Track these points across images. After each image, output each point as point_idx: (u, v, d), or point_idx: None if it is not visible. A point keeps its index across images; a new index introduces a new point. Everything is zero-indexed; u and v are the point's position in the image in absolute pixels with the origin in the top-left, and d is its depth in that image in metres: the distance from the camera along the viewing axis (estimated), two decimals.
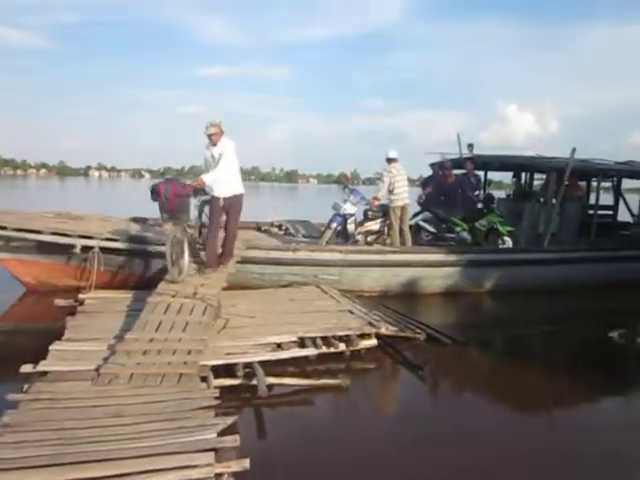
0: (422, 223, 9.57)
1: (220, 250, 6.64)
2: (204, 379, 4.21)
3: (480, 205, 9.92)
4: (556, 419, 4.73)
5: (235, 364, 4.66)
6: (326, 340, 5.42)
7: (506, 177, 12.56)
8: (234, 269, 6.83)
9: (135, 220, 8.72)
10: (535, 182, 11.68)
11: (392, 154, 8.83)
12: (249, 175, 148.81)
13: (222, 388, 4.23)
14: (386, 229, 9.08)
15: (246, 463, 3.02)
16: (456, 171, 10.35)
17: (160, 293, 5.59)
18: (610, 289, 9.01)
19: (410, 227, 9.08)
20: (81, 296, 6.44)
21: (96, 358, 4.42)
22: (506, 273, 8.68)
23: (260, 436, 4.03)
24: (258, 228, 10.18)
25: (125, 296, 6.48)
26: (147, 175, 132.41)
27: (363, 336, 5.64)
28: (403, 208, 8.72)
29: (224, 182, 6.23)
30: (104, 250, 6.97)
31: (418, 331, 6.12)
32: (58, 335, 4.99)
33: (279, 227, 10.23)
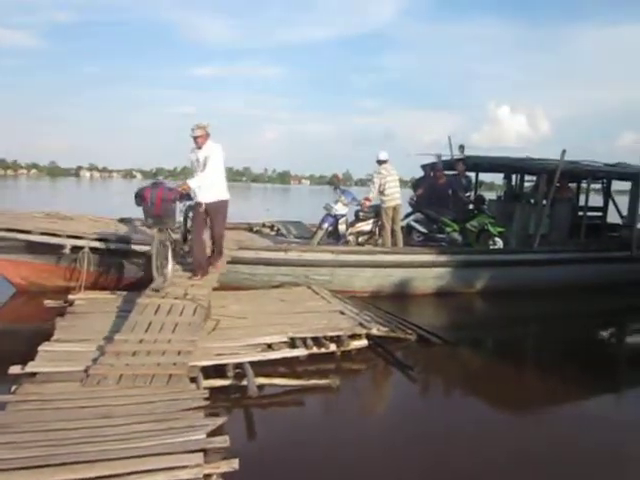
0: (413, 224, 9.61)
1: (209, 251, 6.57)
2: (194, 380, 4.20)
3: (471, 206, 9.97)
4: (545, 418, 4.74)
5: (225, 365, 4.66)
6: (317, 340, 5.42)
7: (498, 178, 12.64)
8: (225, 269, 6.79)
9: (125, 220, 8.69)
10: (526, 184, 11.76)
11: (382, 155, 8.86)
12: (241, 176, 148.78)
13: (212, 389, 4.24)
14: (377, 230, 9.10)
15: (235, 464, 3.02)
16: (447, 172, 10.40)
17: (149, 295, 5.57)
18: (599, 290, 9.08)
19: (402, 228, 9.11)
20: (71, 297, 6.41)
21: (85, 359, 4.40)
22: (497, 274, 8.73)
23: (250, 436, 4.04)
24: (250, 229, 10.18)
25: (115, 297, 6.46)
26: (139, 176, 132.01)
27: (354, 337, 5.65)
28: (395, 209, 8.75)
29: (207, 187, 6.11)
30: (94, 250, 6.95)
31: (409, 332, 6.14)
32: (47, 336, 4.97)
33: (271, 228, 10.23)
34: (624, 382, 5.84)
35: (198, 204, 6.23)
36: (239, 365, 4.68)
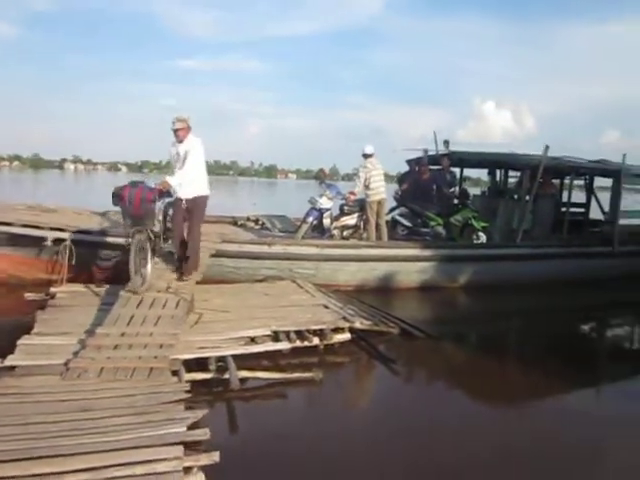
0: (398, 217, 9.65)
1: (184, 258, 6.26)
2: (175, 373, 4.18)
3: (456, 201, 10.03)
4: (528, 412, 4.79)
5: (208, 358, 4.64)
6: (300, 334, 5.43)
7: (483, 174, 12.73)
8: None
9: (108, 213, 8.60)
10: (510, 179, 11.85)
11: (368, 149, 8.87)
12: (228, 170, 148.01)
13: (194, 382, 4.22)
14: (362, 224, 9.11)
15: (216, 456, 3.01)
16: (432, 167, 10.44)
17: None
18: (581, 285, 9.19)
19: (386, 222, 9.13)
20: (52, 290, 6.34)
21: (66, 352, 4.36)
22: (480, 268, 8.80)
23: (232, 429, 4.04)
24: (234, 222, 10.15)
25: (97, 290, 6.39)
26: (124, 168, 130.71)
27: (337, 330, 5.66)
28: (379, 203, 8.76)
29: (188, 183, 5.96)
30: (76, 243, 6.87)
31: (392, 325, 6.18)
32: (27, 329, 4.91)
33: (255, 222, 10.20)
34: (605, 376, 5.93)
35: (178, 200, 6.09)
36: (222, 358, 4.67)
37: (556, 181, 11.28)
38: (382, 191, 8.82)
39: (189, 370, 4.38)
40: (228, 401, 4.37)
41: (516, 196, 10.29)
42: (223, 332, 5.23)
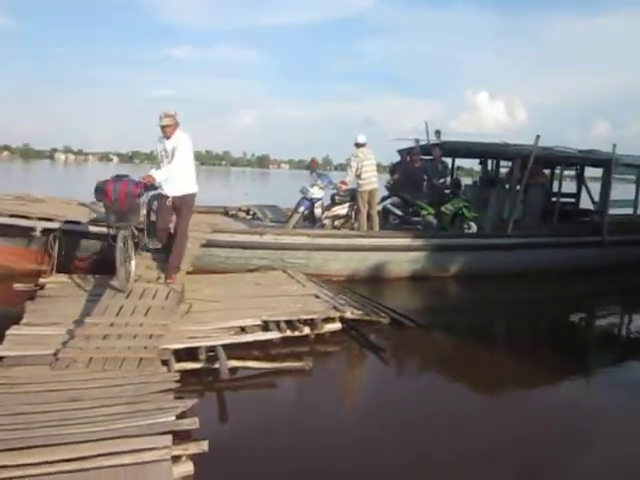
0: (389, 207, 9.65)
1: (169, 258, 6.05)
2: (165, 363, 4.19)
3: (447, 190, 10.04)
4: (517, 400, 4.83)
5: (198, 348, 4.64)
6: (290, 324, 5.43)
7: (476, 164, 12.73)
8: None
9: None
10: (502, 169, 11.88)
11: (361, 139, 8.83)
12: (220, 160, 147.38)
13: (184, 372, 4.23)
14: (354, 214, 9.11)
15: (205, 445, 3.04)
16: (424, 157, 10.44)
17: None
18: (571, 274, 9.25)
19: (378, 212, 9.13)
20: (42, 280, 6.31)
21: (55, 343, 4.36)
22: (471, 258, 8.83)
23: (221, 419, 4.05)
24: (226, 213, 10.11)
25: (87, 280, 6.37)
26: (115, 159, 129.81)
27: (328, 320, 5.66)
28: (371, 193, 8.74)
29: (175, 179, 5.77)
30: (66, 233, 6.82)
31: (382, 315, 6.19)
32: (16, 320, 4.89)
33: (247, 212, 10.18)
34: (595, 366, 5.95)
35: (165, 197, 5.90)
36: (212, 348, 4.67)
37: (547, 171, 11.33)
38: (374, 181, 8.80)
39: (179, 360, 4.38)
40: (218, 391, 4.37)
41: (507, 186, 10.32)
42: (213, 322, 5.22)
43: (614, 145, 9.96)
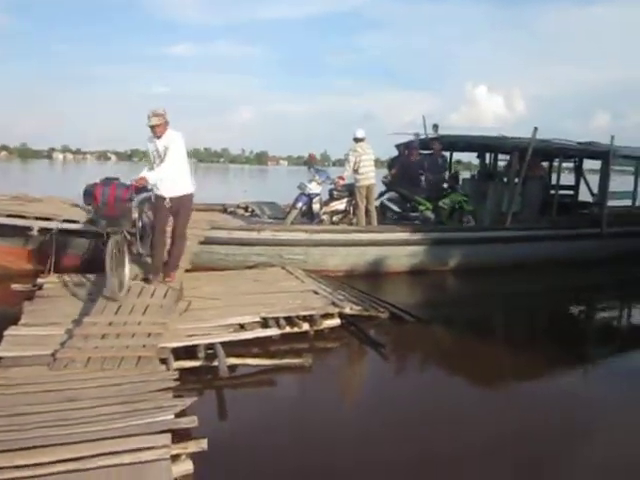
0: (387, 202, 9.60)
1: (165, 259, 5.97)
2: (164, 361, 4.18)
3: (445, 185, 10.02)
4: (516, 393, 4.82)
5: (196, 345, 4.63)
6: (289, 320, 5.42)
7: (474, 158, 12.69)
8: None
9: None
10: (500, 163, 11.85)
11: (359, 133, 8.80)
12: (219, 157, 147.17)
13: (183, 370, 4.22)
14: (352, 209, 9.09)
15: (204, 444, 3.03)
16: (423, 151, 10.40)
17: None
18: (570, 266, 9.24)
19: (376, 207, 9.10)
20: (39, 280, 6.28)
21: (53, 343, 4.34)
22: (469, 251, 8.82)
23: (221, 417, 4.04)
24: (224, 210, 10.10)
25: (85, 279, 6.35)
26: (113, 157, 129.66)
27: (327, 316, 5.65)
28: (368, 188, 8.72)
29: (171, 180, 5.54)
30: (63, 232, 6.80)
31: (381, 310, 6.18)
32: (14, 320, 4.85)
33: (245, 209, 10.15)
34: (594, 357, 5.94)
35: (160, 198, 5.65)
36: (211, 346, 4.66)
37: (545, 164, 11.31)
38: (371, 176, 8.77)
39: (178, 358, 4.37)
40: (217, 389, 4.36)
41: (505, 179, 10.30)
42: (212, 319, 5.20)
43: (612, 137, 9.96)
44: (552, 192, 10.75)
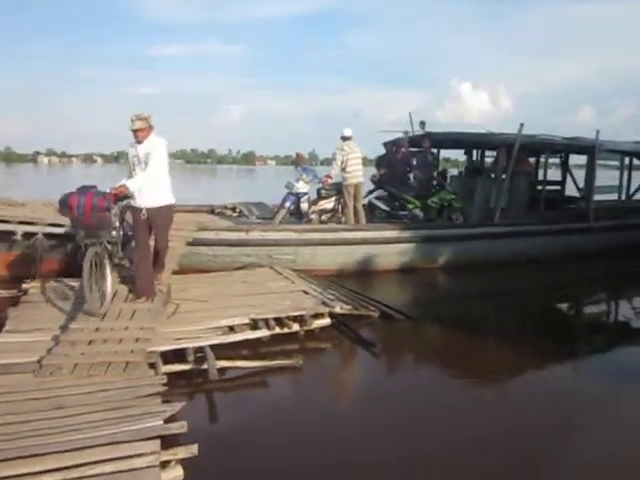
0: (375, 201, 9.59)
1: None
2: (152, 366, 4.12)
3: (435, 182, 10.02)
4: (508, 391, 4.80)
5: (185, 349, 4.57)
6: (279, 321, 5.38)
7: (461, 155, 12.73)
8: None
9: None
10: (487, 159, 11.89)
11: (347, 132, 8.79)
12: (206, 158, 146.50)
13: (172, 374, 4.17)
14: (340, 207, 9.06)
15: (194, 449, 2.97)
16: (413, 149, 10.39)
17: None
18: (558, 261, 9.28)
19: (363, 205, 9.09)
20: (24, 286, 6.17)
21: (39, 349, 4.25)
22: (458, 248, 8.83)
23: (211, 421, 3.98)
24: (211, 211, 10.03)
25: (71, 284, 6.24)
26: (99, 160, 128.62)
27: (317, 316, 5.62)
28: (356, 186, 8.70)
29: (148, 190, 5.20)
30: (48, 237, 6.70)
31: (372, 309, 6.16)
32: None
33: (233, 209, 10.09)
34: (586, 353, 5.94)
35: (137, 210, 5.30)
36: (200, 349, 4.60)
37: (532, 159, 11.36)
38: (359, 175, 8.76)
39: (166, 362, 4.31)
40: (207, 392, 4.30)
41: (493, 175, 10.33)
42: (201, 322, 5.14)
43: (597, 131, 10.02)
44: (539, 187, 10.80)
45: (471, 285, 8.38)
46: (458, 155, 13.98)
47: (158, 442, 2.92)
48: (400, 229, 8.62)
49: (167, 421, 3.20)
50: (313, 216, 8.94)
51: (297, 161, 9.43)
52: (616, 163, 11.63)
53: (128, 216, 5.67)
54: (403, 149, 9.96)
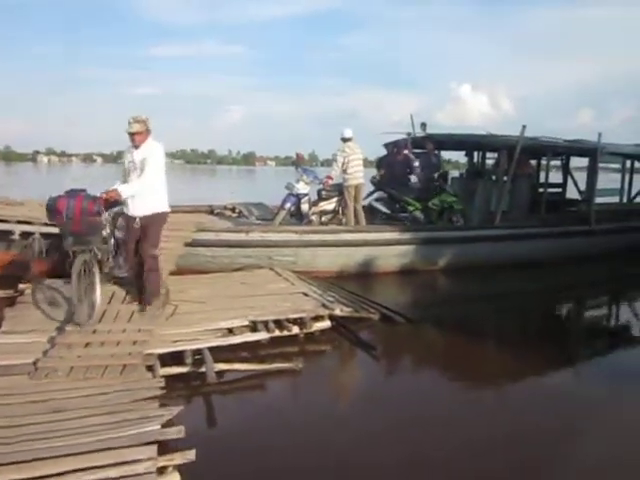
0: (375, 204, 9.51)
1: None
2: (150, 368, 4.06)
3: (437, 183, 9.96)
4: (507, 395, 4.75)
5: (183, 351, 4.51)
6: (279, 323, 5.32)
7: (462, 157, 12.68)
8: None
9: None
10: (488, 161, 11.84)
11: (347, 133, 8.74)
12: (205, 158, 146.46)
13: (170, 377, 4.11)
14: (341, 209, 9.01)
15: (191, 455, 2.93)
16: (416, 150, 10.32)
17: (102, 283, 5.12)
18: (560, 264, 9.23)
19: (363, 207, 9.03)
20: (21, 286, 6.11)
21: (35, 351, 4.21)
22: (459, 250, 8.78)
23: (209, 425, 3.92)
24: (211, 211, 9.96)
25: (68, 285, 6.16)
26: (99, 159, 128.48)
27: (317, 318, 5.56)
28: (357, 187, 8.65)
29: (142, 197, 4.98)
30: (45, 236, 6.63)
31: (372, 311, 6.10)
32: None
33: (232, 210, 10.03)
34: (586, 357, 5.87)
35: (131, 218, 5.07)
36: (198, 351, 4.54)
37: (533, 161, 11.31)
38: (360, 176, 8.71)
39: (164, 364, 4.26)
40: (205, 395, 4.24)
41: (494, 177, 10.28)
42: (199, 324, 5.09)
43: (599, 134, 9.96)
44: (540, 190, 10.74)
45: (472, 288, 8.32)
46: (459, 157, 13.95)
47: (155, 448, 2.87)
48: (401, 231, 8.57)
49: (165, 425, 3.15)
50: (313, 217, 8.87)
51: (297, 162, 9.37)
52: (617, 166, 11.58)
53: (120, 223, 5.40)
54: (404, 151, 9.90)
